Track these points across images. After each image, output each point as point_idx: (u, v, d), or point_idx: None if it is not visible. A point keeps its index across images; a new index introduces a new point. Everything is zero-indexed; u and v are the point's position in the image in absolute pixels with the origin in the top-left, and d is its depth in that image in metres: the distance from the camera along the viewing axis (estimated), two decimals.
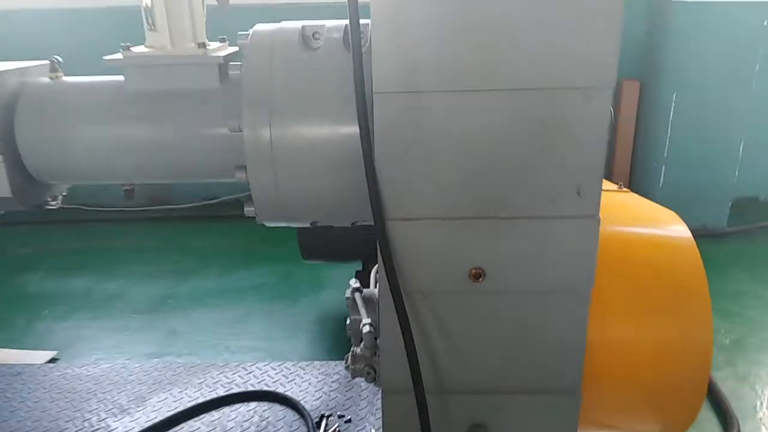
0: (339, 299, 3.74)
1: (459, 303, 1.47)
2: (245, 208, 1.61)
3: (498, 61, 1.28)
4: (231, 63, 1.65)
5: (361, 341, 1.76)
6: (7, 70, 1.67)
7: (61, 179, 1.82)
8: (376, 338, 1.70)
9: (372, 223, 1.42)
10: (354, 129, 1.39)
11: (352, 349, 1.75)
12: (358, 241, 3.04)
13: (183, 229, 4.96)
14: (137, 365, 2.62)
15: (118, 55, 1.65)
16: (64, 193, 1.98)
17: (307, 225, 1.67)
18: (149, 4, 1.62)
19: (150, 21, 1.64)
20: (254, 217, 1.60)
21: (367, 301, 1.83)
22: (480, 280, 1.44)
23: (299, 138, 1.49)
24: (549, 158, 1.34)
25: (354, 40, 1.38)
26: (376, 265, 1.86)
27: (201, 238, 4.81)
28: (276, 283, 4.00)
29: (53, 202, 1.97)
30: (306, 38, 1.53)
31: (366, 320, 1.72)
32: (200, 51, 1.62)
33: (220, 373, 2.47)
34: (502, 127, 1.32)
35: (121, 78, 1.69)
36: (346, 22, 1.54)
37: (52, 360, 3.16)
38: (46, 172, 1.75)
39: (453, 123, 1.33)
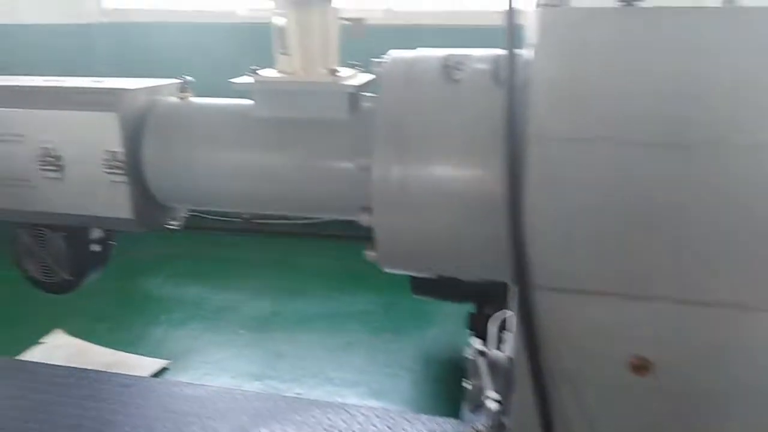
0: (446, 339, 3.50)
1: (613, 397, 1.20)
2: (366, 252, 1.45)
3: (717, 112, 1.01)
4: (363, 93, 1.51)
5: (480, 408, 1.53)
6: (138, 89, 1.63)
7: (183, 202, 1.76)
8: (501, 414, 1.46)
9: (513, 284, 1.19)
10: (499, 175, 1.18)
11: (473, 425, 1.52)
12: (475, 282, 2.80)
13: (296, 245, 4.97)
14: (240, 394, 2.58)
15: (248, 79, 1.55)
16: (186, 215, 1.93)
17: (436, 276, 1.47)
18: (282, 25, 1.51)
19: (281, 44, 1.53)
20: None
21: (492, 366, 1.59)
22: (643, 373, 1.16)
23: (435, 180, 1.31)
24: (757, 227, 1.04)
25: (509, 72, 1.17)
26: (498, 318, 1.62)
27: (311, 255, 4.78)
28: (380, 313, 3.84)
29: (174, 223, 1.92)
30: (448, 69, 1.35)
31: (491, 393, 1.49)
32: (331, 78, 1.49)
33: (323, 414, 2.35)
34: (699, 186, 1.05)
35: (249, 102, 1.60)
36: (495, 51, 1.35)
37: (163, 370, 3.20)
38: (168, 194, 1.69)
39: (632, 180, 1.07)
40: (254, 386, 3.06)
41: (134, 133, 1.60)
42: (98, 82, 1.72)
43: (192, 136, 1.63)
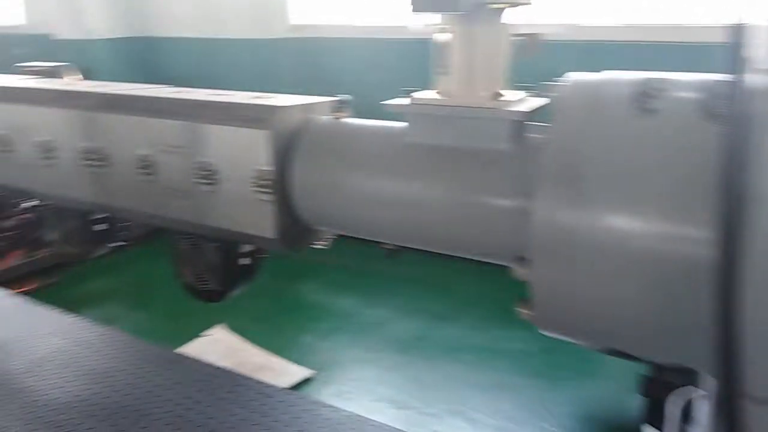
0: (610, 397, 3.08)
1: None
2: (519, 309, 1.23)
3: None
4: (531, 122, 1.29)
5: None
6: (292, 106, 1.58)
7: (328, 226, 1.67)
8: None
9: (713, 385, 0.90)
10: (703, 235, 0.90)
11: None
12: None
13: (454, 265, 4.78)
14: (372, 426, 2.48)
15: (402, 100, 1.41)
16: (333, 237, 1.85)
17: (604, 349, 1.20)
18: (445, 41, 1.35)
19: (442, 62, 1.36)
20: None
21: None
22: None
23: (615, 233, 1.05)
24: None
25: (730, 104, 0.89)
26: (681, 397, 1.29)
27: (468, 279, 4.56)
28: (537, 355, 3.51)
29: (321, 243, 1.85)
30: (643, 96, 1.08)
31: None
32: (493, 103, 1.29)
33: None
34: None
35: (403, 125, 1.46)
36: (706, 76, 1.06)
37: (307, 380, 3.22)
38: (314, 217, 1.62)
39: None
40: (392, 414, 2.94)
41: (284, 151, 1.54)
42: (258, 97, 1.71)
43: (341, 158, 1.53)
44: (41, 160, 1.94)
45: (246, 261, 1.92)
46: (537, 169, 1.14)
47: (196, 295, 2.01)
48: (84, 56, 5.73)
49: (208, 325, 3.77)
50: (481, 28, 1.30)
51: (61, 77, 4.37)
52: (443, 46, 1.35)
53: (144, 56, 6.03)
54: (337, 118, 1.61)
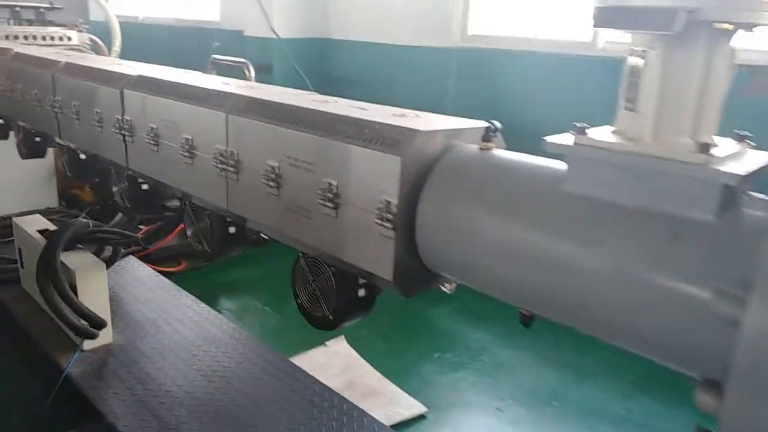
0: None
1: None
2: None
3: None
4: (749, 190, 0.92)
5: None
6: (434, 131, 1.34)
7: (455, 276, 1.41)
8: None
9: None
10: None
11: None
12: None
13: None
14: None
15: (568, 138, 1.11)
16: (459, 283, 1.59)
17: None
18: (637, 66, 1.02)
19: (629, 94, 1.03)
20: None
21: None
22: None
23: None
24: None
25: None
26: None
27: None
28: None
29: (447, 287, 1.61)
30: None
31: None
32: (698, 156, 0.93)
33: None
34: None
35: (566, 168, 1.16)
36: None
37: (420, 417, 2.98)
38: (440, 263, 1.37)
39: None
40: None
41: (416, 182, 1.31)
42: (401, 116, 1.50)
43: (481, 197, 1.26)
44: (182, 157, 1.92)
45: (362, 292, 1.73)
46: (755, 259, 0.79)
47: (306, 317, 1.86)
48: (268, 52, 6.05)
49: (331, 333, 3.68)
50: (699, 54, 0.95)
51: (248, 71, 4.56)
52: (634, 72, 1.03)
53: (319, 56, 6.22)
54: (484, 149, 1.35)
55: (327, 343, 3.63)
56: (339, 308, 1.73)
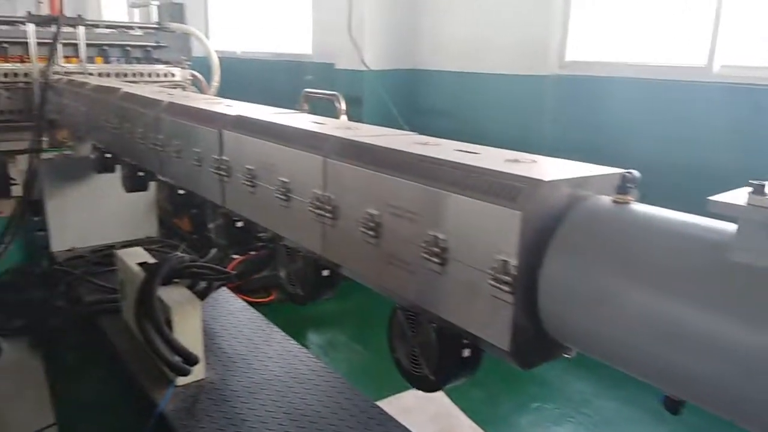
0: None
1: None
2: None
3: None
4: None
5: None
6: (559, 180, 1.17)
7: (584, 348, 1.22)
8: None
9: None
10: None
11: None
12: None
13: None
14: None
15: (737, 197, 0.91)
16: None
17: None
18: None
19: None
20: None
21: None
22: None
23: None
24: None
25: None
26: None
27: None
28: None
29: (570, 354, 1.42)
30: None
31: None
32: None
33: None
34: None
35: (729, 229, 0.96)
36: None
37: None
38: (567, 331, 1.19)
39: None
40: None
41: (539, 239, 1.15)
42: (515, 161, 1.34)
43: (620, 260, 1.08)
44: (278, 200, 1.85)
45: (466, 353, 1.57)
46: None
47: (405, 376, 1.72)
48: (358, 85, 6.08)
49: None
50: None
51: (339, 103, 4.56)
52: None
53: (408, 87, 6.18)
54: (620, 202, 1.16)
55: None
56: (442, 369, 1.58)
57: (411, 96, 6.18)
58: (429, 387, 1.66)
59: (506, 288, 1.15)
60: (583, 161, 1.32)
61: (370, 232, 1.49)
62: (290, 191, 1.80)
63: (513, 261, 1.13)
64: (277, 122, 1.98)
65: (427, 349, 1.58)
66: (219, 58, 5.67)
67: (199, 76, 5.61)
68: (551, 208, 1.15)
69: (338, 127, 1.92)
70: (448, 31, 5.87)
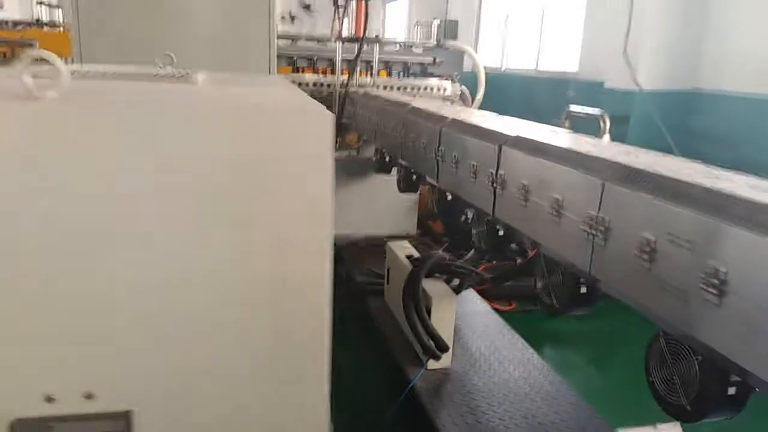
0: None
1: None
2: None
3: None
4: None
5: None
6: None
7: None
8: None
9: None
10: None
11: None
12: None
13: None
14: None
15: None
16: None
17: None
18: None
19: None
20: None
21: None
22: None
23: None
24: None
25: None
26: None
27: None
28: None
29: None
30: None
31: None
32: None
33: None
34: None
35: None
36: None
37: None
38: None
39: None
40: None
41: None
42: None
43: None
44: (549, 215, 2.01)
45: (731, 391, 1.55)
46: None
47: (659, 401, 1.75)
48: (626, 104, 5.91)
49: (664, 416, 3.34)
50: None
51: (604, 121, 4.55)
52: None
53: (682, 109, 5.80)
54: None
55: (659, 425, 3.30)
56: (700, 401, 1.59)
57: (684, 119, 5.78)
58: (684, 416, 1.68)
59: None
60: None
61: (645, 257, 1.57)
62: (562, 208, 1.95)
63: None
64: (556, 143, 2.14)
65: (687, 379, 1.60)
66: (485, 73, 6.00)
67: (465, 90, 6.01)
68: None
69: (618, 151, 2.01)
70: (743, 46, 5.34)
